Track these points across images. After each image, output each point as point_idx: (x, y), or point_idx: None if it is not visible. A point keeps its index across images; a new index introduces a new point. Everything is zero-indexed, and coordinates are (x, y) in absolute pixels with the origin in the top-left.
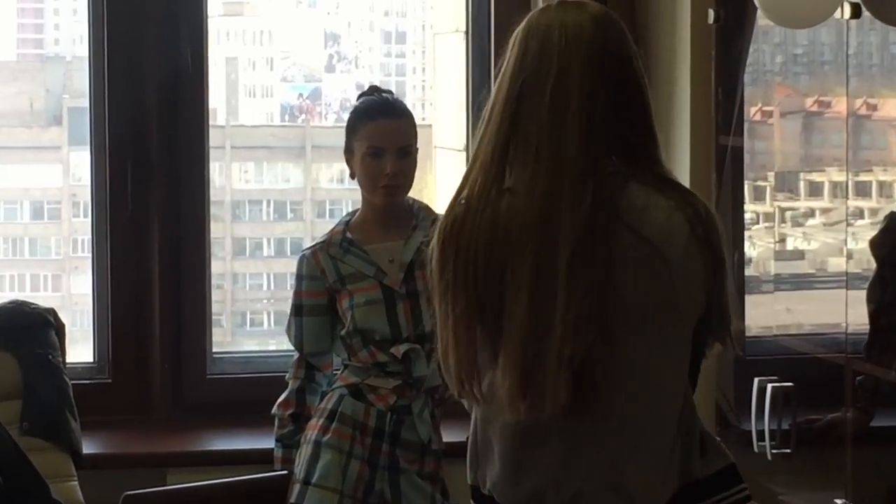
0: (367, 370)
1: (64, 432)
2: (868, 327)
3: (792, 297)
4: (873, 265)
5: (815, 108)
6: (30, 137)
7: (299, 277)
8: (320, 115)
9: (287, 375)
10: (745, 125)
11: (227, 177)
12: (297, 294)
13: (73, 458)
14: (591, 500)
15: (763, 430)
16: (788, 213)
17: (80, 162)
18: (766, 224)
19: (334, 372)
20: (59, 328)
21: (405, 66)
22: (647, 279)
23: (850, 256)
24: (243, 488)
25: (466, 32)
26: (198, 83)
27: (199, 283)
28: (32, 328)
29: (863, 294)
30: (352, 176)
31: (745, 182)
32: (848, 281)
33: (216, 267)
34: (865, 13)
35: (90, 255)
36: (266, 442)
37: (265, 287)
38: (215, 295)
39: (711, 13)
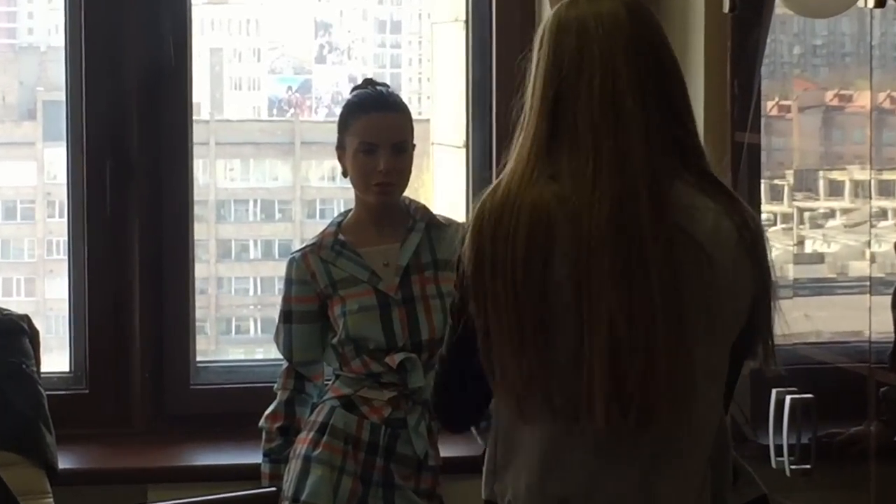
0: (361, 381)
1: (38, 446)
2: (893, 335)
3: (812, 302)
4: None
5: (835, 103)
6: (2, 133)
7: (288, 282)
8: (310, 110)
9: (275, 386)
10: (762, 121)
11: (211, 175)
12: (286, 300)
13: (48, 473)
14: None
15: (781, 445)
16: (807, 214)
17: (56, 159)
18: (784, 225)
19: (325, 382)
20: (34, 335)
21: (401, 57)
22: (697, 285)
23: (873, 260)
24: None
25: (466, 22)
26: (181, 76)
27: (182, 287)
28: (5, 335)
29: (887, 300)
30: (344, 174)
31: (762, 181)
32: (871, 286)
33: (200, 271)
34: (890, 2)
35: (66, 257)
36: (253, 456)
37: (252, 292)
38: (199, 300)
39: (727, 2)
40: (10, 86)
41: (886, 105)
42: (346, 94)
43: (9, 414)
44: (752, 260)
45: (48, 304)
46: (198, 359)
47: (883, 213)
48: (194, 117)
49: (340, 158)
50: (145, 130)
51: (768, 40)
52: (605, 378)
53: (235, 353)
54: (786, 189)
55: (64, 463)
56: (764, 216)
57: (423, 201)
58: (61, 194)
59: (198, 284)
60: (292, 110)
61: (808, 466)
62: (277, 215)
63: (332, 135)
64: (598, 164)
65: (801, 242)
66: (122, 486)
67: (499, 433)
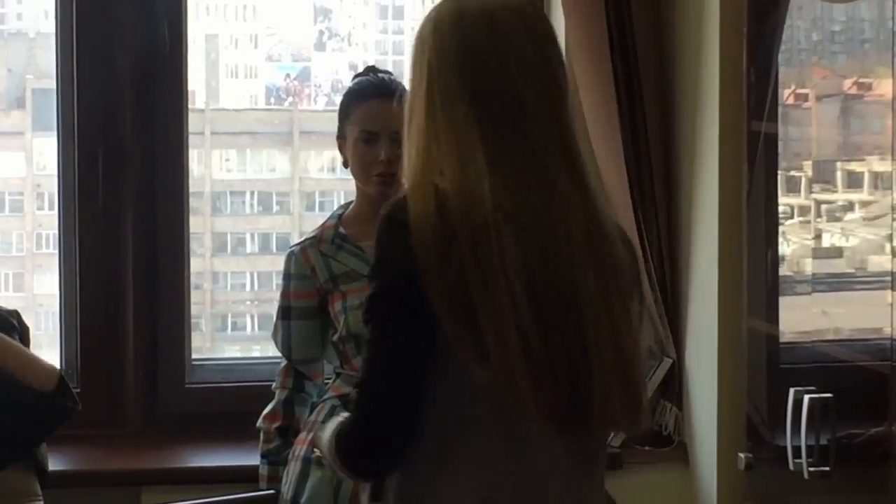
0: None
1: None
2: None
3: (830, 298)
4: None
5: (854, 91)
6: None
7: (287, 277)
8: (309, 98)
9: (273, 385)
10: (779, 110)
11: (206, 166)
12: (285, 295)
13: (39, 475)
14: None
15: (799, 446)
16: (825, 207)
17: (46, 149)
18: (802, 218)
19: (325, 381)
20: (24, 332)
21: (403, 43)
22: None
23: (894, 254)
24: None
25: None
26: (175, 63)
27: (177, 283)
28: None
29: None
30: (344, 164)
31: (779, 172)
32: (893, 281)
33: (195, 265)
34: None
35: (56, 251)
36: (250, 458)
37: (248, 287)
38: (194, 296)
39: None
40: None
41: None
42: (347, 82)
43: None
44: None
45: (37, 299)
46: (193, 356)
47: None
48: (189, 106)
49: (341, 148)
50: (139, 119)
51: (785, 26)
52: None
53: (232, 351)
54: (803, 181)
55: (55, 465)
56: (781, 209)
57: None
58: (51, 186)
59: (193, 279)
60: (291, 99)
61: (826, 468)
62: (275, 208)
63: (332, 124)
64: (538, 168)
65: (818, 236)
66: (115, 488)
67: (430, 447)
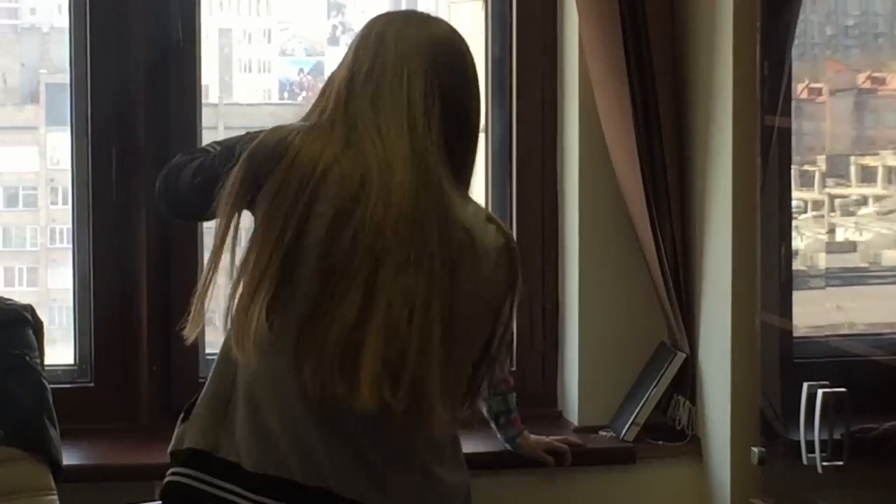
0: None
1: (42, 441)
2: None
3: (844, 293)
4: None
5: (868, 85)
6: (3, 117)
7: None
8: None
9: None
10: (792, 104)
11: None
12: None
13: (52, 469)
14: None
15: (813, 441)
16: (839, 201)
17: (60, 144)
18: (815, 213)
19: None
20: (38, 326)
21: None
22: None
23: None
24: None
25: (486, 0)
26: (189, 58)
27: (192, 276)
28: (7, 326)
29: None
30: None
31: (792, 166)
32: None
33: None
34: None
35: (70, 246)
36: None
37: None
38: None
39: None
40: (11, 68)
41: None
42: None
43: (12, 408)
44: (511, 271)
45: (51, 294)
46: (207, 351)
47: None
48: (203, 100)
49: None
50: (152, 114)
51: (799, 20)
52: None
53: None
54: (816, 175)
55: (68, 459)
56: (794, 203)
57: None
58: (65, 180)
59: None
60: (304, 93)
61: (840, 463)
62: None
63: None
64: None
65: (832, 231)
66: (128, 482)
67: (229, 384)
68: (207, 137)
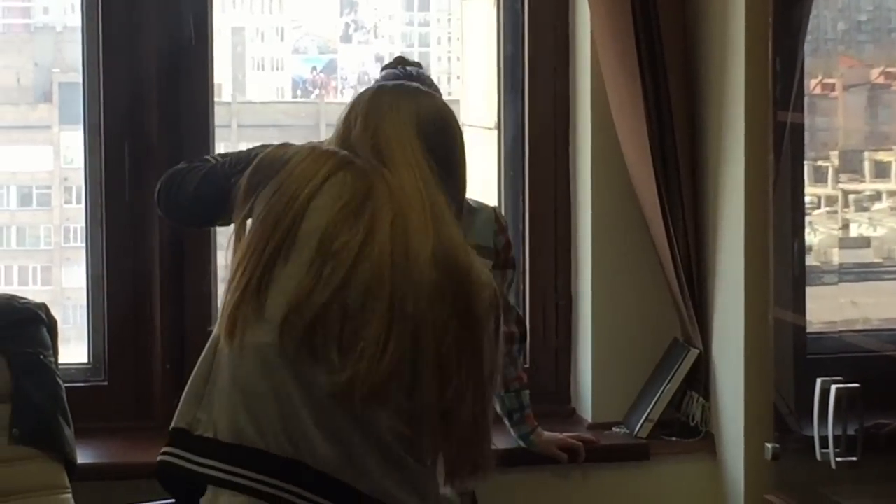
0: None
1: (57, 440)
2: None
3: (857, 288)
4: None
5: (881, 81)
6: (17, 116)
7: None
8: (336, 91)
9: None
10: (805, 100)
11: None
12: None
13: (67, 467)
14: None
15: (826, 436)
16: (852, 197)
17: (73, 143)
18: (829, 208)
19: None
20: (52, 325)
21: (429, 35)
22: None
23: None
24: None
25: None
26: (201, 56)
27: (204, 276)
28: (22, 325)
29: None
30: None
31: (805, 162)
32: None
33: (222, 258)
34: None
35: (84, 245)
36: None
37: None
38: (221, 289)
39: None
40: (24, 67)
41: None
42: (373, 75)
43: (27, 407)
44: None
45: (65, 293)
46: None
47: None
48: (215, 99)
49: None
50: (165, 113)
51: (811, 16)
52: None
53: None
54: (830, 171)
55: (83, 457)
56: (807, 199)
57: None
58: (78, 179)
59: (220, 273)
60: (317, 91)
61: (854, 459)
62: None
63: None
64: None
65: (846, 226)
66: (143, 480)
67: (217, 365)
68: (220, 136)
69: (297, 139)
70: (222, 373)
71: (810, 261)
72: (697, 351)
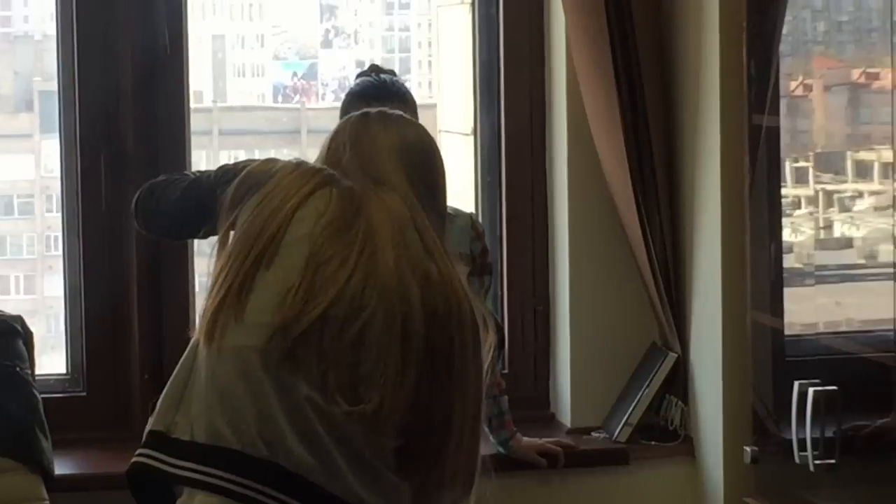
0: None
1: (34, 451)
2: None
3: (835, 290)
4: None
5: (862, 81)
6: None
7: None
8: (317, 96)
9: None
10: (785, 101)
11: (214, 164)
12: None
13: (45, 479)
14: None
15: (805, 439)
16: (832, 197)
17: (54, 151)
18: (808, 210)
19: None
20: (28, 337)
21: (410, 40)
22: None
23: None
24: None
25: (472, 4)
26: (177, 64)
27: (182, 284)
28: None
29: None
30: None
31: (787, 163)
32: None
33: (200, 265)
34: None
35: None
36: None
37: None
38: (199, 299)
39: None
40: (5, 76)
41: None
42: (354, 80)
43: (3, 419)
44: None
45: (48, 301)
46: None
47: None
48: (196, 105)
49: None
50: (141, 122)
51: (788, 18)
52: None
53: None
54: (810, 172)
55: (61, 468)
56: (788, 200)
57: None
58: (59, 188)
59: (198, 280)
60: (298, 97)
61: (832, 461)
62: None
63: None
64: None
65: (825, 227)
66: (121, 492)
67: (199, 372)
68: (201, 143)
69: (279, 145)
70: (200, 375)
71: (792, 262)
72: (676, 355)
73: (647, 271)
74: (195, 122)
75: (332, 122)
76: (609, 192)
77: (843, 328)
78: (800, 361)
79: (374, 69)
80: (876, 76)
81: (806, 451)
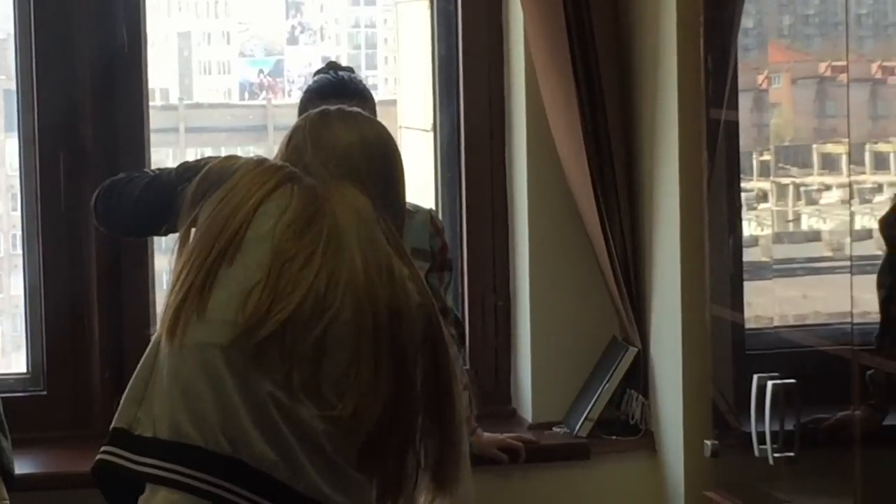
0: None
1: None
2: (878, 316)
3: (795, 283)
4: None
5: (828, 73)
6: None
7: None
8: (283, 93)
9: None
10: (752, 94)
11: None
12: None
13: (5, 478)
14: None
15: (764, 432)
16: (791, 190)
17: (15, 150)
18: (768, 203)
19: None
20: None
21: (376, 36)
22: None
23: (858, 237)
24: None
25: (431, 0)
26: (136, 62)
27: (142, 282)
28: None
29: (871, 279)
30: None
31: (754, 156)
32: (854, 265)
33: (160, 264)
34: None
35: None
36: None
37: None
38: (159, 297)
39: None
40: None
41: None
42: (312, 77)
43: None
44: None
45: (13, 300)
46: None
47: (878, 188)
48: (162, 103)
49: None
50: (100, 121)
51: (753, 11)
52: None
53: None
54: (772, 166)
55: (21, 468)
56: (752, 193)
57: None
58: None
59: (158, 278)
60: (264, 94)
61: (791, 454)
62: None
63: None
64: None
65: (787, 220)
66: (82, 490)
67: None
68: (168, 140)
69: (246, 142)
70: (162, 372)
71: (757, 255)
72: (636, 349)
73: (607, 266)
74: (162, 120)
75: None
76: (568, 186)
77: (803, 322)
78: (759, 355)
79: (333, 66)
80: (842, 69)
81: (765, 444)
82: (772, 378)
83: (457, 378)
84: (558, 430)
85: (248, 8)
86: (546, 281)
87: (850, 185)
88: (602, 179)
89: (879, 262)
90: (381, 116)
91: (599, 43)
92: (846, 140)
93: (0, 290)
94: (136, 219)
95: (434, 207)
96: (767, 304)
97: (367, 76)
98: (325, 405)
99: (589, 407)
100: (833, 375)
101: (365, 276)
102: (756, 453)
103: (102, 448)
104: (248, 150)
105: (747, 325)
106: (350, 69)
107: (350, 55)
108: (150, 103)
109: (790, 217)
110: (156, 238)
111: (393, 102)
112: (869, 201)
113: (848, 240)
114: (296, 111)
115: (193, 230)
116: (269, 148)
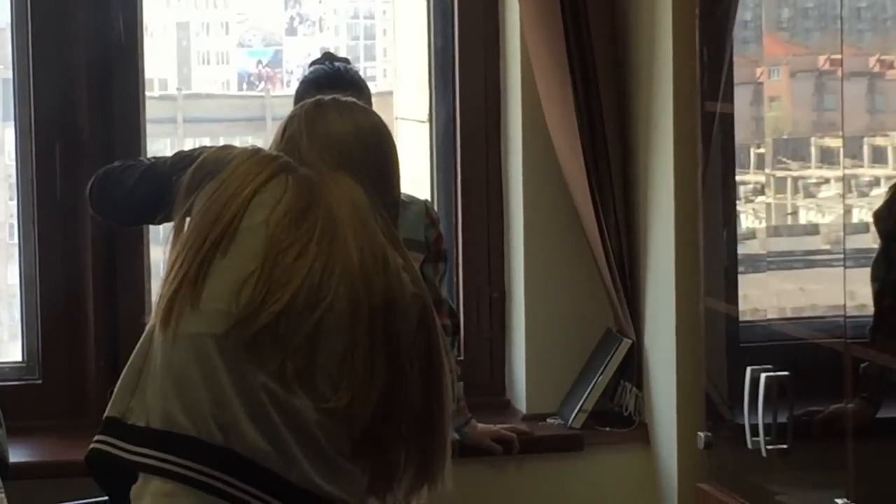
0: None
1: None
2: (871, 309)
3: (790, 276)
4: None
5: (827, 67)
6: None
7: None
8: (282, 83)
9: None
10: (749, 87)
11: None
12: None
13: None
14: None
15: (757, 424)
16: (787, 184)
17: (12, 139)
18: (764, 196)
19: None
20: None
21: (374, 27)
22: None
23: (855, 231)
24: None
25: None
26: (131, 52)
27: (137, 271)
28: None
29: (866, 272)
30: None
31: (750, 149)
32: (847, 258)
33: (155, 253)
34: None
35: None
36: None
37: None
38: (155, 285)
39: None
40: None
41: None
42: (307, 68)
43: None
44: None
45: (9, 289)
46: None
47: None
48: (161, 93)
49: None
50: (96, 111)
51: (751, 4)
52: None
53: None
54: (768, 159)
55: (16, 456)
56: (748, 187)
57: None
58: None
59: (153, 268)
60: (263, 84)
61: (784, 446)
62: None
63: None
64: None
65: (782, 213)
66: (77, 479)
67: (153, 358)
68: (166, 130)
69: (244, 132)
70: (156, 362)
71: (754, 248)
72: (630, 341)
73: (602, 258)
74: (160, 110)
75: None
76: (564, 179)
77: (797, 314)
78: (753, 347)
79: (329, 57)
80: (840, 62)
81: (758, 436)
82: (765, 370)
83: (447, 370)
84: (552, 421)
85: None
86: (541, 272)
87: (844, 178)
88: (597, 171)
89: (874, 255)
90: (379, 107)
91: (595, 35)
92: (847, 133)
93: None
94: (130, 207)
95: (429, 198)
96: (762, 297)
97: (365, 67)
98: (319, 396)
99: (583, 398)
100: (826, 368)
101: (360, 266)
102: (749, 445)
103: (96, 437)
104: (247, 140)
105: (741, 318)
106: (346, 60)
107: (349, 46)
108: (149, 93)
109: (788, 210)
110: (151, 228)
111: (390, 94)
112: (866, 195)
113: (841, 233)
114: (293, 102)
115: (188, 220)
116: (267, 138)
